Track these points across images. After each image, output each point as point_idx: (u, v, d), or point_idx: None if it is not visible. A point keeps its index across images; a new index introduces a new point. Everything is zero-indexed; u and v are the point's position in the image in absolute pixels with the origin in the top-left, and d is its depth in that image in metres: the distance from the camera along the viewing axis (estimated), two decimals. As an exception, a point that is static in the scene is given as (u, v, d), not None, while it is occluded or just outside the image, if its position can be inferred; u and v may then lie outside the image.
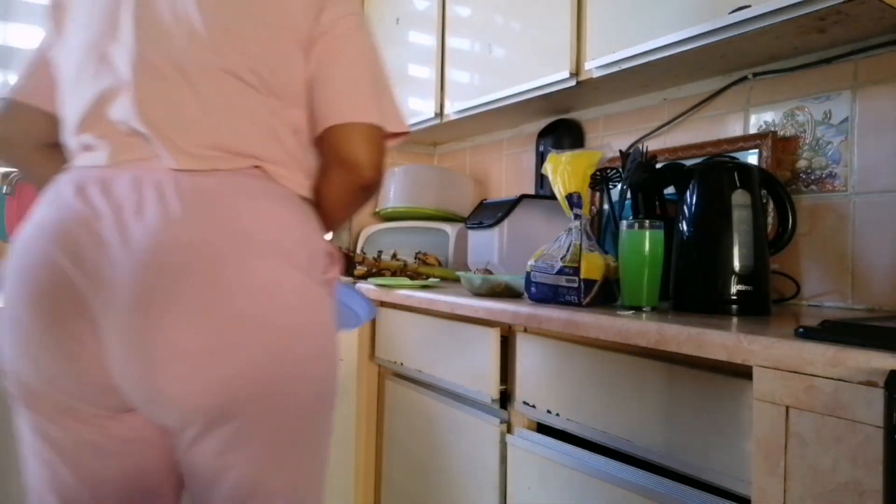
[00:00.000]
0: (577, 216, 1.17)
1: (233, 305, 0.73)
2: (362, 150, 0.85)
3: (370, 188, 0.89)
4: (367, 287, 1.63)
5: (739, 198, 1.05)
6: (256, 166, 0.81)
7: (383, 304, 1.62)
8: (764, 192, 1.14)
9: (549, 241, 1.20)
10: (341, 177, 0.87)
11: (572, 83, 1.47)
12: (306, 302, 0.79)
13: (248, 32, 0.81)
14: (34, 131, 0.95)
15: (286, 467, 0.79)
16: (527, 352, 1.17)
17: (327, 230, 0.95)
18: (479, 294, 1.32)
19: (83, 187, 0.76)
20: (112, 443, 0.80)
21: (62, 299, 0.73)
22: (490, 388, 1.23)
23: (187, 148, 0.77)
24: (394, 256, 1.89)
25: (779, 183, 1.16)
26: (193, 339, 0.71)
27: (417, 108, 2.01)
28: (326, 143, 0.87)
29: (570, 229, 1.17)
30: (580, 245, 1.13)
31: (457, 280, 1.68)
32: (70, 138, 0.84)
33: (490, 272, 1.49)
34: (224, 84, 0.80)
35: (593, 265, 1.12)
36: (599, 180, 1.37)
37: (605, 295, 1.13)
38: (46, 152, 0.95)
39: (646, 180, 1.30)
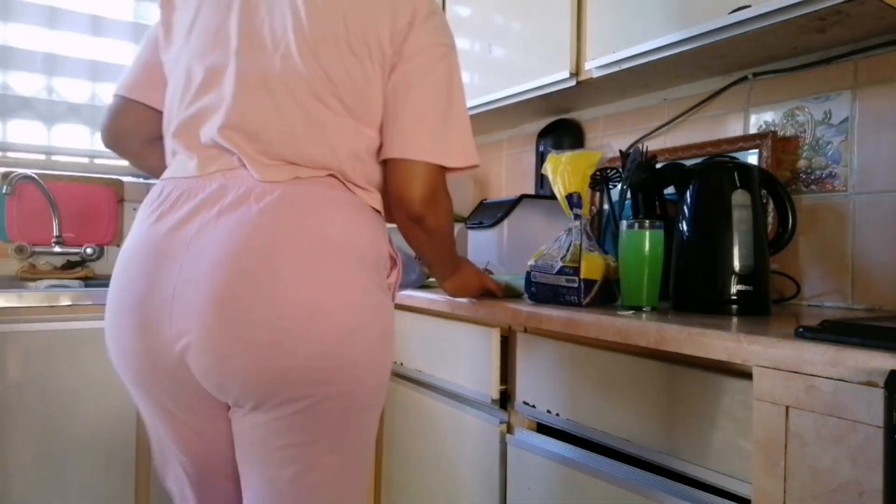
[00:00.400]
0: (577, 216, 1.17)
1: (293, 307, 0.79)
2: (411, 186, 0.90)
3: (419, 221, 0.93)
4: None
5: (739, 198, 1.05)
6: (331, 175, 0.88)
7: (383, 304, 1.62)
8: (764, 192, 1.14)
9: (549, 241, 1.20)
10: (394, 208, 0.94)
11: (572, 83, 1.47)
12: (369, 301, 0.85)
13: (335, 61, 0.87)
14: (146, 127, 1.04)
15: (329, 456, 0.85)
16: (527, 352, 1.17)
17: (430, 267, 1.10)
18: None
19: (175, 196, 0.86)
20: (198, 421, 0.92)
21: (150, 311, 0.83)
22: (490, 388, 1.23)
23: (267, 161, 0.86)
24: (394, 256, 1.89)
25: (779, 183, 1.16)
26: (257, 336, 0.78)
27: (417, 108, 2.01)
28: (385, 172, 0.94)
29: (570, 229, 1.17)
30: (580, 245, 1.13)
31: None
32: (166, 138, 0.96)
33: (490, 272, 1.48)
34: (310, 106, 0.87)
35: (593, 265, 1.12)
36: (599, 180, 1.37)
37: (605, 295, 1.13)
38: (155, 145, 1.04)
39: (646, 180, 1.30)
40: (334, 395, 0.83)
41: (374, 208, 0.93)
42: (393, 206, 0.94)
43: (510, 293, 1.29)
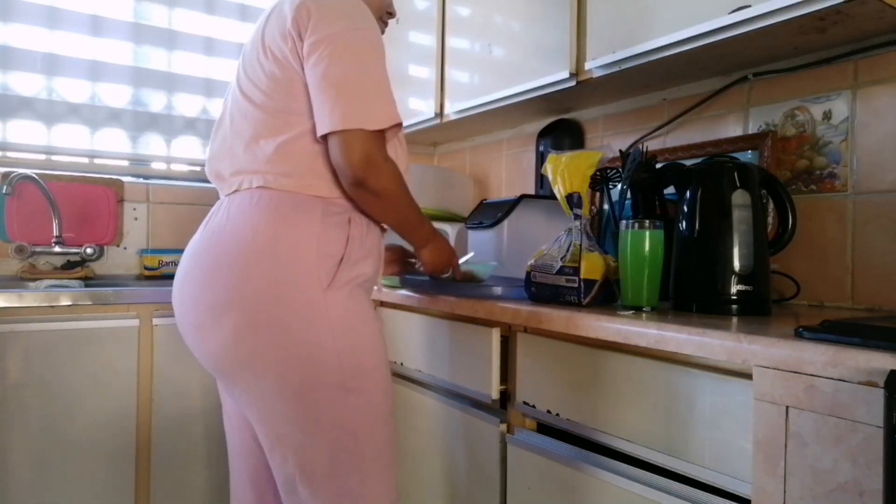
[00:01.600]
0: (577, 216, 1.17)
1: (220, 296, 0.98)
2: (343, 155, 0.98)
3: (362, 184, 1.00)
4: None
5: (739, 198, 1.05)
6: (259, 186, 1.02)
7: (383, 304, 1.62)
8: (764, 192, 1.14)
9: (549, 241, 1.20)
10: (341, 180, 1.02)
11: (572, 83, 1.47)
12: (268, 296, 0.97)
13: (259, 73, 1.05)
14: None
15: (282, 435, 0.99)
16: (527, 352, 1.17)
17: (403, 235, 1.17)
18: (446, 280, 1.35)
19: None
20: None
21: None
22: (490, 388, 1.23)
23: (227, 177, 1.08)
24: (394, 256, 1.88)
25: (779, 183, 1.15)
26: (196, 319, 1.02)
27: (417, 108, 2.01)
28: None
29: (570, 229, 1.17)
30: (580, 245, 1.13)
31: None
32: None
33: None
34: (248, 117, 1.05)
35: (593, 265, 1.12)
36: (599, 180, 1.36)
37: (605, 295, 1.13)
38: None
39: (646, 180, 1.30)
40: (258, 376, 0.97)
41: (320, 197, 1.02)
42: (341, 180, 1.02)
43: (470, 278, 1.35)
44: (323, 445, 0.99)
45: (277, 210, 1.00)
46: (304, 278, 0.97)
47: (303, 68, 1.01)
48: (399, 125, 1.05)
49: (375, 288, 1.46)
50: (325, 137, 1.00)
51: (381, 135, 1.01)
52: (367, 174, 0.99)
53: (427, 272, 1.29)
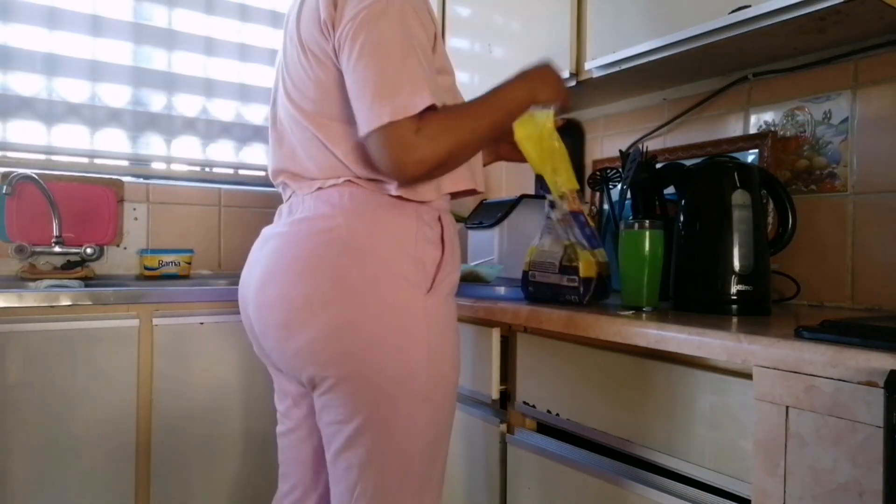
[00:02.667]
0: (551, 204, 1.15)
1: (317, 291, 0.92)
2: (380, 158, 0.88)
3: (421, 179, 0.91)
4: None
5: (739, 198, 1.05)
6: (347, 181, 0.95)
7: (383, 304, 1.62)
8: (764, 192, 1.14)
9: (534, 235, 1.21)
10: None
11: (572, 83, 1.47)
12: (354, 302, 0.91)
13: (299, 73, 0.98)
14: None
15: (353, 441, 0.93)
16: (527, 352, 1.17)
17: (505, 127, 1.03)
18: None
19: None
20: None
21: None
22: (490, 388, 1.23)
23: (304, 178, 1.00)
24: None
25: (779, 183, 1.15)
26: (284, 317, 0.95)
27: (417, 108, 2.01)
28: None
29: (550, 220, 1.16)
30: (574, 243, 1.13)
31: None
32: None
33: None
34: (293, 123, 1.00)
35: (588, 263, 1.12)
36: (599, 180, 1.36)
37: (601, 291, 1.13)
38: None
39: (646, 180, 1.30)
40: (346, 376, 0.91)
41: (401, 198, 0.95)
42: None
43: (475, 279, 1.36)
44: (396, 459, 0.93)
45: (372, 207, 0.94)
46: (405, 279, 0.92)
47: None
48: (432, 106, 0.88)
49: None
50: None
51: (408, 120, 0.86)
52: (408, 165, 0.86)
53: (559, 105, 1.10)
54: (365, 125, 0.87)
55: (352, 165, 0.95)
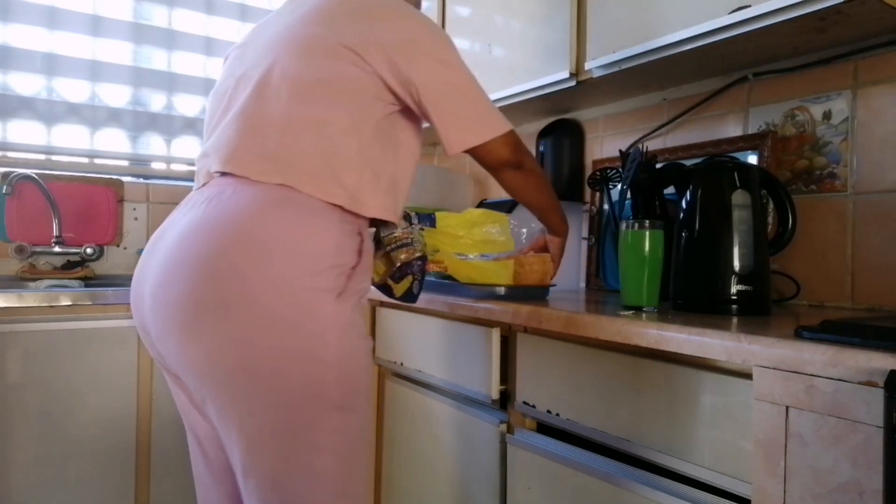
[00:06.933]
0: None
1: (221, 291, 0.88)
2: (496, 153, 1.10)
3: (520, 165, 1.12)
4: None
5: (739, 198, 1.05)
6: (278, 184, 0.95)
7: (383, 304, 1.62)
8: (764, 192, 1.14)
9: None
10: (496, 172, 1.14)
11: (572, 83, 1.47)
12: (282, 303, 0.88)
13: (309, 68, 1.00)
14: None
15: (264, 452, 0.90)
16: (527, 352, 1.17)
17: (547, 219, 1.27)
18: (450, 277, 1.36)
19: None
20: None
21: None
22: (490, 388, 1.23)
23: (233, 163, 0.99)
24: (394, 256, 1.88)
25: (779, 183, 1.16)
26: (185, 319, 0.90)
27: (417, 108, 2.01)
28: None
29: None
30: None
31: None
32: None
33: None
34: (267, 111, 1.01)
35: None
36: (599, 180, 1.37)
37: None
38: None
39: (646, 180, 1.30)
40: (248, 384, 0.89)
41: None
42: (496, 174, 1.14)
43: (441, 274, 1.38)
44: (306, 472, 0.90)
45: (296, 212, 0.92)
46: (316, 285, 0.90)
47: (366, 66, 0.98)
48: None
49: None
50: (472, 149, 1.06)
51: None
52: (523, 156, 1.11)
53: (557, 260, 1.32)
54: (489, 132, 1.05)
55: (294, 163, 0.94)
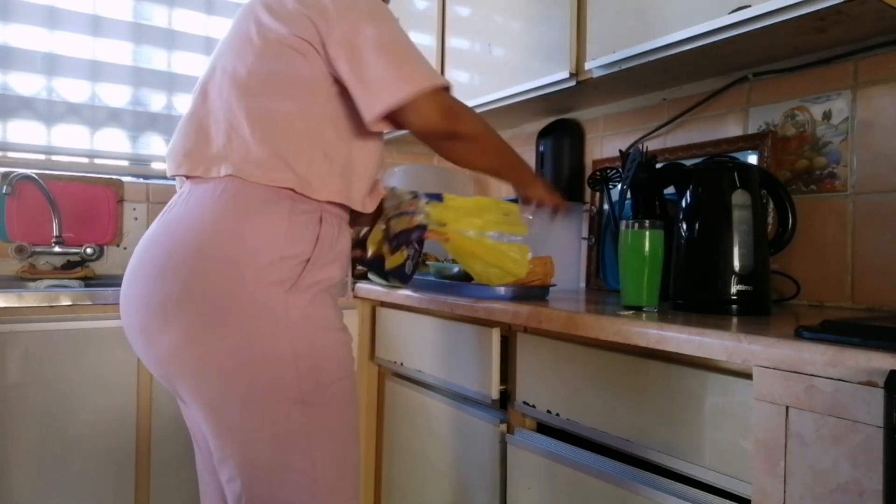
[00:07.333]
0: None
1: (171, 294, 0.90)
2: (421, 117, 0.97)
3: (454, 135, 1.00)
4: (367, 287, 1.63)
5: (739, 198, 1.05)
6: (228, 175, 0.95)
7: (383, 304, 1.62)
8: (764, 192, 1.14)
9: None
10: (429, 142, 1.05)
11: (572, 83, 1.47)
12: (230, 299, 0.88)
13: (245, 55, 1.00)
14: None
15: (231, 452, 0.91)
16: (527, 352, 1.17)
17: (507, 178, 1.18)
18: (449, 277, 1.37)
19: None
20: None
21: None
22: (490, 388, 1.23)
23: (190, 163, 1.00)
24: (394, 256, 1.88)
25: (779, 183, 1.16)
26: (143, 321, 0.93)
27: (417, 108, 2.01)
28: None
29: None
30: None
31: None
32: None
33: (456, 261, 1.55)
34: (220, 99, 1.01)
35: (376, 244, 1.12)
36: (599, 180, 1.37)
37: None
38: None
39: (646, 180, 1.30)
40: (208, 381, 0.89)
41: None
42: (429, 143, 1.03)
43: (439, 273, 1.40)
44: (274, 467, 0.90)
45: (242, 203, 0.91)
46: (265, 278, 0.88)
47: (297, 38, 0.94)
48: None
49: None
50: (390, 114, 0.94)
51: (449, 90, 1.00)
52: (457, 122, 0.98)
53: (547, 207, 1.20)
54: (409, 87, 0.92)
55: (242, 150, 0.93)
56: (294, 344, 0.89)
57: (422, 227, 1.10)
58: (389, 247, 1.09)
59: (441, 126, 0.97)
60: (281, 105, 0.94)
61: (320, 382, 0.92)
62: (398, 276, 1.11)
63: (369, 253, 1.11)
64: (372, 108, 0.94)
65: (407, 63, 0.95)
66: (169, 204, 1.00)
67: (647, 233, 1.06)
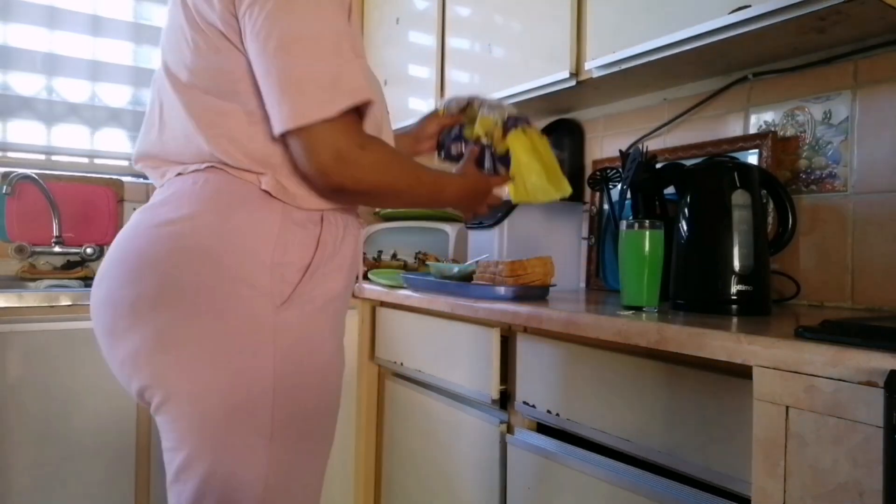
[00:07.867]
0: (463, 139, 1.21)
1: (142, 296, 0.79)
2: (301, 160, 0.77)
3: (340, 189, 0.79)
4: (367, 286, 1.63)
5: (739, 198, 1.05)
6: (208, 167, 0.84)
7: (383, 304, 1.62)
8: (764, 192, 1.14)
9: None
10: (315, 189, 0.83)
11: (572, 83, 1.47)
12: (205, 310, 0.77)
13: (180, 42, 0.85)
14: None
15: (182, 479, 0.78)
16: (527, 352, 1.17)
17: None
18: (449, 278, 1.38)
19: None
20: None
21: None
22: (490, 388, 1.23)
23: (167, 163, 0.89)
24: (394, 256, 1.89)
25: (779, 183, 1.16)
26: (109, 322, 0.83)
27: (417, 108, 2.01)
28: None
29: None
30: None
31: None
32: None
33: (456, 261, 1.53)
34: (185, 97, 0.86)
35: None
36: (599, 180, 1.37)
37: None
38: None
39: (646, 180, 1.30)
40: (173, 395, 0.77)
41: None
42: (314, 189, 0.82)
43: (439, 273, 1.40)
44: (225, 499, 0.78)
45: (227, 199, 0.79)
46: (251, 287, 0.77)
47: (239, 35, 0.78)
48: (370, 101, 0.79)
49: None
50: (282, 137, 0.78)
51: (349, 118, 0.77)
52: (342, 175, 0.77)
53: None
54: (291, 119, 0.74)
55: (218, 149, 0.79)
56: (278, 371, 0.78)
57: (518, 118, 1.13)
58: (503, 132, 1.11)
59: (322, 180, 0.77)
60: (230, 107, 0.80)
61: (296, 416, 0.80)
62: (505, 163, 1.12)
63: (481, 138, 1.11)
64: (274, 126, 0.77)
65: (302, 78, 0.74)
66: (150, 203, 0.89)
67: (647, 233, 1.06)
